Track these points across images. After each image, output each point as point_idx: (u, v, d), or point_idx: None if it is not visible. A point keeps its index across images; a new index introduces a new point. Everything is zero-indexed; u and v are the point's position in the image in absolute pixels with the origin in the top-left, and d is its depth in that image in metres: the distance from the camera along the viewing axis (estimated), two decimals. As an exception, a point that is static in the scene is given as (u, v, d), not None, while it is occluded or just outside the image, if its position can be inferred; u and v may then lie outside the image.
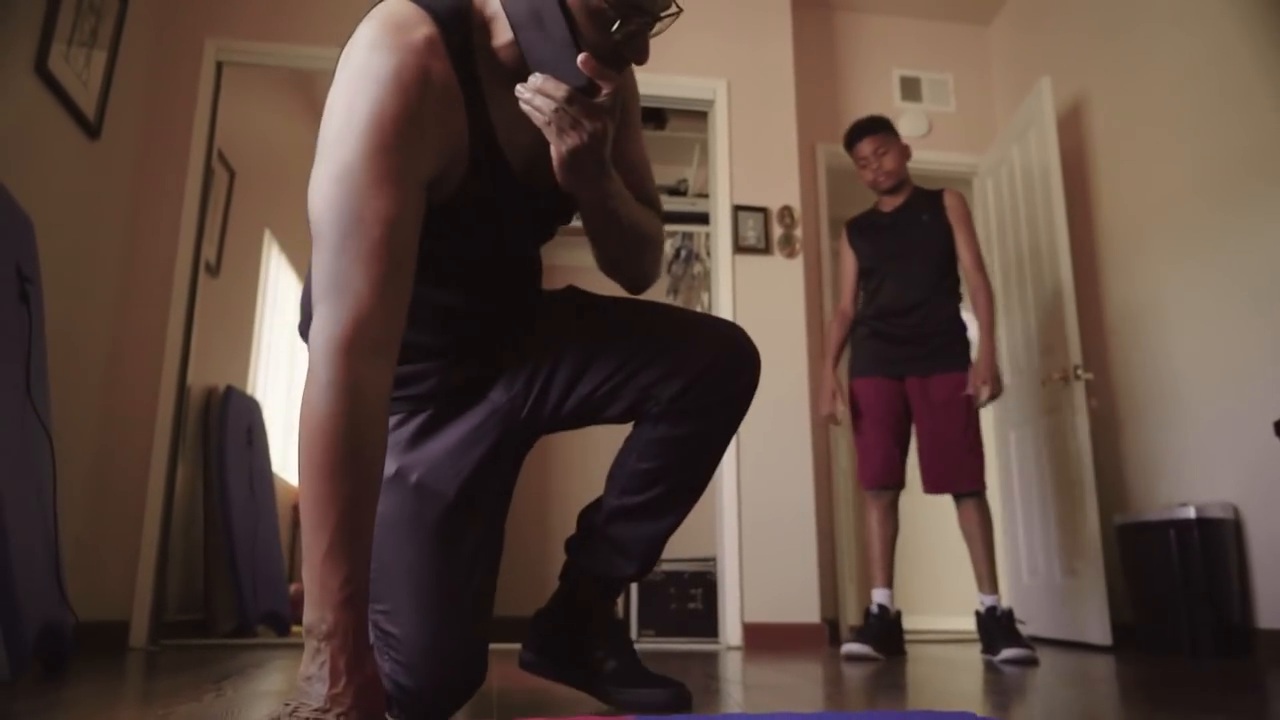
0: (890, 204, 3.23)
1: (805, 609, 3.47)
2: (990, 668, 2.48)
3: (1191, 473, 3.23)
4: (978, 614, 2.94)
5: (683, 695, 1.44)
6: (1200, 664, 2.61)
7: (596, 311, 1.45)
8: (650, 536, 1.45)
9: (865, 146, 3.19)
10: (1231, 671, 2.33)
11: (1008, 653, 2.67)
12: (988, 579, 2.94)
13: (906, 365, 3.08)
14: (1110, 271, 3.74)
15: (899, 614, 3.03)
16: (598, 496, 1.49)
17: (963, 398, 3.02)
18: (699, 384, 1.36)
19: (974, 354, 3.09)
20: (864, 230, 3.28)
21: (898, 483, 3.09)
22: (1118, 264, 3.69)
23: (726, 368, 1.38)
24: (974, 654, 3.05)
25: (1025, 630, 3.89)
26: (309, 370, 1.03)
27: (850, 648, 2.85)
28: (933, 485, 3.05)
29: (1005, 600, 4.10)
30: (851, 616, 3.83)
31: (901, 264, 3.14)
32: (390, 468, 1.32)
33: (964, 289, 3.21)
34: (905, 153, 3.22)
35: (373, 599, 1.27)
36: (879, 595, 3.01)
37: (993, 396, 2.99)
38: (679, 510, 1.44)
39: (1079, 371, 3.46)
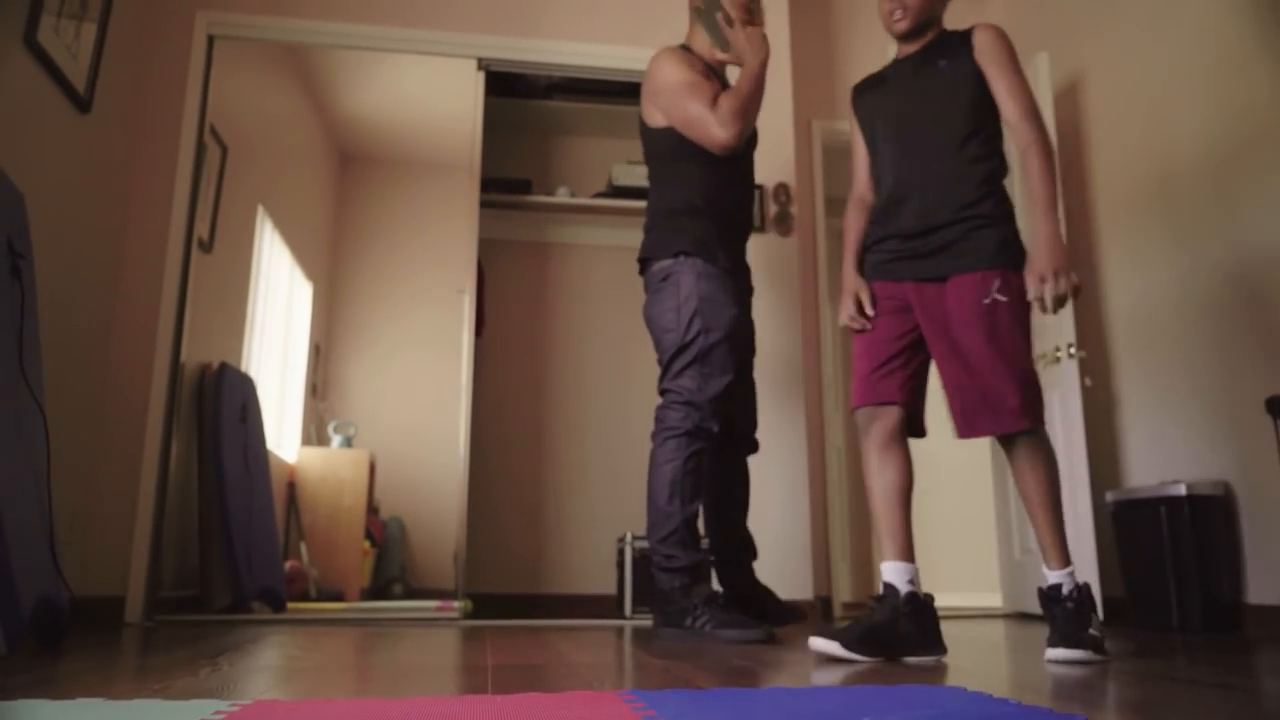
0: (906, 52, 2.40)
1: (799, 586, 3.49)
2: (995, 645, 2.49)
3: (1183, 450, 3.25)
4: (1040, 591, 2.13)
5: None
6: (1190, 639, 2.63)
7: None
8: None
9: None
10: (1221, 647, 2.35)
11: (1052, 653, 1.98)
12: (1051, 548, 2.10)
13: (908, 267, 2.25)
14: (1104, 249, 3.74)
15: (930, 598, 2.13)
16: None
17: (985, 305, 2.12)
18: None
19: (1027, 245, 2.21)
20: (867, 91, 2.47)
21: (890, 399, 2.21)
22: (1112, 241, 3.69)
23: None
24: (973, 630, 3.06)
25: (1025, 607, 3.92)
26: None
27: (814, 642, 2.05)
28: (962, 426, 2.19)
29: (1017, 580, 4.11)
30: (844, 593, 3.85)
31: (905, 130, 2.32)
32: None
33: (1010, 153, 2.47)
34: None
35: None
36: (888, 571, 2.13)
37: (1060, 298, 2.08)
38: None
39: (1072, 350, 3.46)
